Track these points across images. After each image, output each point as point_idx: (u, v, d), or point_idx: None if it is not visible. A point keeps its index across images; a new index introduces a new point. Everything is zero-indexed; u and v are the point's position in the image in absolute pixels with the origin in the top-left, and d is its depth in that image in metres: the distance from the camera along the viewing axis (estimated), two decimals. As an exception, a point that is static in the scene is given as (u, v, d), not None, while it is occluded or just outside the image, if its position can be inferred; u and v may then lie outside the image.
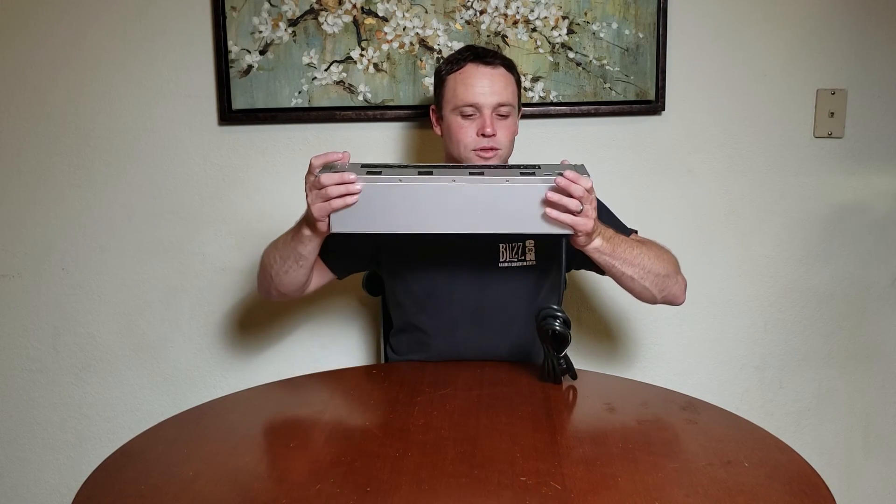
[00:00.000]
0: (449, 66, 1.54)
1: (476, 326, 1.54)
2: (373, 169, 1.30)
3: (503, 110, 1.50)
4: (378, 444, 1.16)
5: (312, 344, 2.00)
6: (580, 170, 1.31)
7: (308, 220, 1.35)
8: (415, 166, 1.33)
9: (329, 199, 1.28)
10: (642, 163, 1.93)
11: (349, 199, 1.27)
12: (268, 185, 1.92)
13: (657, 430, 1.22)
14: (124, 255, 1.95)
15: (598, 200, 1.57)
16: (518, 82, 1.57)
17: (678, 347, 2.00)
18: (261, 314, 1.98)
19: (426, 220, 1.30)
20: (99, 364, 1.99)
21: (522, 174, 1.29)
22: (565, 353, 1.38)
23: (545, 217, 1.28)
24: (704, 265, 1.97)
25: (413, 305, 1.57)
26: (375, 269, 1.65)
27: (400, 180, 1.28)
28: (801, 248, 1.98)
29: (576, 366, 1.42)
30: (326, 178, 1.27)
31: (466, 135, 1.50)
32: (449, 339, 1.55)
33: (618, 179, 1.93)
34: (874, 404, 2.04)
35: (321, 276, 1.55)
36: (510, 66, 1.54)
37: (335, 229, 1.32)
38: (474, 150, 1.50)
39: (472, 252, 1.53)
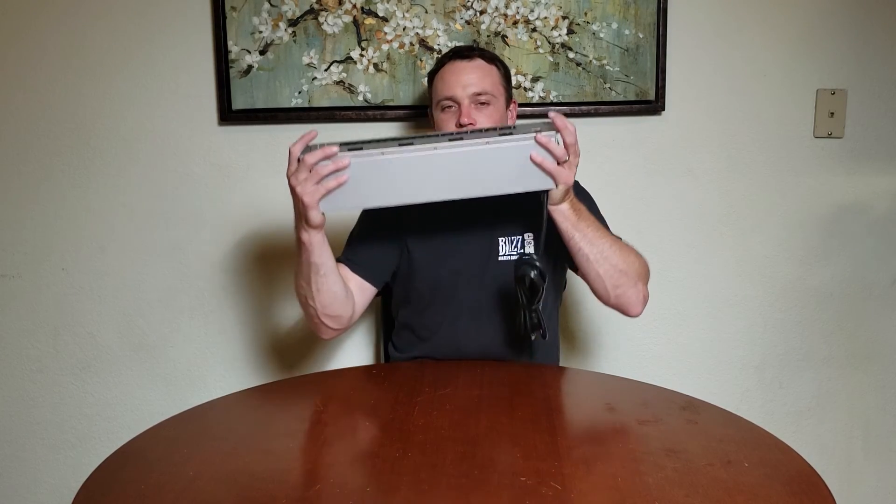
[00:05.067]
0: (434, 68, 1.59)
1: (476, 320, 1.55)
2: (353, 145, 1.30)
3: (482, 98, 1.52)
4: (378, 444, 1.16)
5: (312, 344, 2.00)
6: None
7: (301, 219, 1.34)
8: (395, 138, 1.33)
9: (321, 178, 1.28)
10: (642, 163, 1.93)
11: (342, 177, 1.28)
12: (268, 185, 1.92)
13: (657, 430, 1.22)
14: (124, 255, 1.95)
15: (587, 193, 1.58)
16: (504, 74, 1.58)
17: (678, 347, 2.00)
18: (260, 314, 1.98)
19: (411, 191, 1.31)
20: (99, 364, 1.99)
21: (501, 135, 1.29)
22: (537, 309, 1.38)
23: (527, 171, 1.28)
24: (704, 265, 1.97)
25: (419, 303, 1.58)
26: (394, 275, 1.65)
27: (382, 153, 1.27)
28: (801, 248, 1.98)
29: (576, 365, 1.42)
30: (311, 156, 1.27)
31: (447, 127, 1.52)
32: (450, 333, 1.56)
33: (618, 179, 1.93)
34: (874, 404, 2.04)
35: (363, 293, 1.54)
36: (490, 58, 1.56)
37: (325, 209, 1.32)
38: None
39: (474, 246, 1.54)
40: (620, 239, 1.48)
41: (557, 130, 1.28)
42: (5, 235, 1.95)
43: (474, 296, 1.54)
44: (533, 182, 1.31)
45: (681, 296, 1.98)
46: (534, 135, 1.27)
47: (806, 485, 1.04)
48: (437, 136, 1.32)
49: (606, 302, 1.47)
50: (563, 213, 1.37)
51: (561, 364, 1.70)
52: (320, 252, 1.39)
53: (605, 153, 1.92)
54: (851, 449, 2.05)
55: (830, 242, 1.97)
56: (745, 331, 2.00)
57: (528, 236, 1.55)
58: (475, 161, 1.29)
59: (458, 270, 1.54)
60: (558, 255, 1.51)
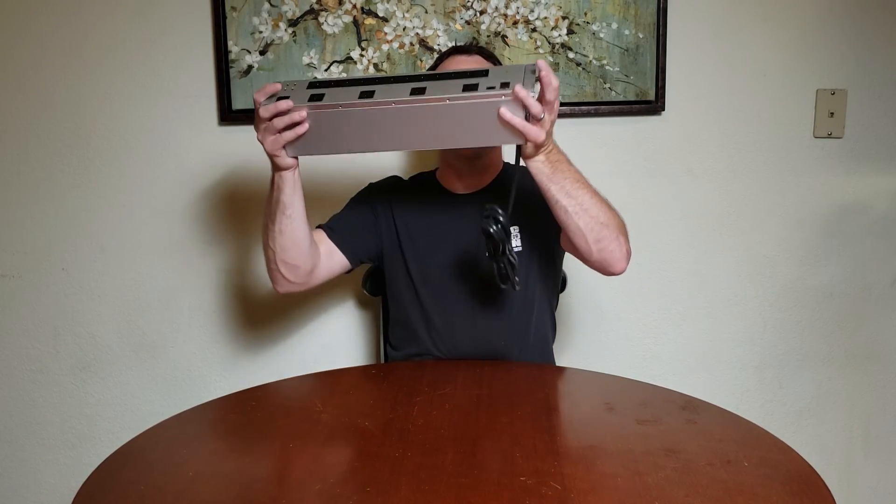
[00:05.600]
0: (433, 64, 1.60)
1: (469, 313, 1.55)
2: (316, 91, 1.29)
3: None
4: (378, 444, 1.16)
5: (312, 344, 2.00)
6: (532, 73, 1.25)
7: (271, 162, 1.36)
8: (360, 80, 1.31)
9: (277, 131, 1.29)
10: (642, 163, 1.93)
11: (300, 130, 1.28)
12: (268, 185, 1.92)
13: (657, 430, 1.22)
14: (124, 255, 1.95)
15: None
16: None
17: (678, 347, 2.00)
18: (260, 314, 1.98)
19: (373, 141, 1.30)
20: (99, 364, 1.99)
21: (465, 88, 1.24)
22: (507, 260, 1.35)
23: (493, 126, 1.24)
24: (704, 265, 1.97)
25: (411, 299, 1.58)
26: (378, 262, 1.65)
27: (340, 107, 1.26)
28: (801, 248, 1.98)
29: (575, 365, 1.42)
30: (264, 110, 1.27)
31: None
32: (443, 328, 1.56)
33: (618, 179, 1.93)
34: (874, 404, 2.04)
35: (331, 259, 1.54)
36: (488, 55, 1.58)
37: (293, 153, 1.33)
38: None
39: (462, 240, 1.54)
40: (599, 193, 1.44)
41: (541, 85, 1.22)
42: (5, 235, 1.95)
43: (465, 289, 1.54)
44: (499, 137, 1.26)
45: (681, 296, 1.98)
46: (501, 93, 1.21)
47: (806, 485, 1.04)
48: (403, 79, 1.29)
49: (589, 258, 1.42)
50: (537, 167, 1.32)
51: (559, 364, 1.70)
52: (291, 192, 1.39)
53: (605, 153, 1.92)
54: (851, 449, 2.05)
55: (830, 242, 1.97)
56: (744, 331, 2.00)
57: (514, 229, 1.54)
58: (437, 115, 1.25)
59: (448, 264, 1.55)
60: (546, 245, 1.51)
